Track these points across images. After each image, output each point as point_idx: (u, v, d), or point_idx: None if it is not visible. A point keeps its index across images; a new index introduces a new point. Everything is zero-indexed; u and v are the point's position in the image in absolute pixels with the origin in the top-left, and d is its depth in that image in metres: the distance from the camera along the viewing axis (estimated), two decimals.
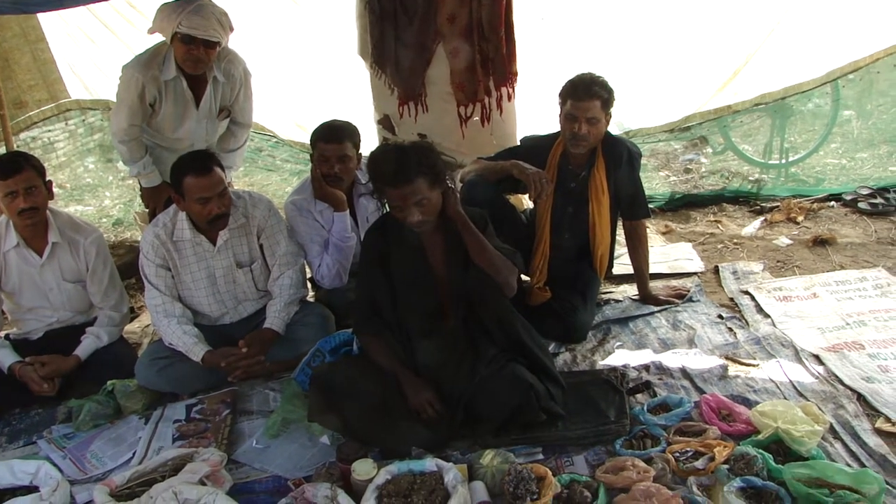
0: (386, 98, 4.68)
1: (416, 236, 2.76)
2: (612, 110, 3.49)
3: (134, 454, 2.93)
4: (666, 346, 3.37)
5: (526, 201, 4.34)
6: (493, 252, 2.72)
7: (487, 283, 2.74)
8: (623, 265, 3.98)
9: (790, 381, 2.97)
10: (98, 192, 6.11)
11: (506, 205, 3.71)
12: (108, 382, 3.27)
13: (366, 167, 2.74)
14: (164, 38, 3.64)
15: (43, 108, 4.93)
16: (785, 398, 2.85)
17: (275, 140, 5.32)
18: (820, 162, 5.44)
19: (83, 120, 5.09)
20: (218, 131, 4.00)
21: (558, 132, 3.56)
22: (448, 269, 2.78)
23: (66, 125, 5.08)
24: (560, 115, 3.49)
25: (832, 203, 4.91)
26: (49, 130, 5.00)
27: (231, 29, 3.64)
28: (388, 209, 2.80)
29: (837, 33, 4.85)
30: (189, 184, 3.10)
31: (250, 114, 4.09)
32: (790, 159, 5.26)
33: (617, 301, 3.81)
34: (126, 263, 4.33)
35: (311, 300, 3.75)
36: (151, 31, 3.64)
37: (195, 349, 3.21)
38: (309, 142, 3.61)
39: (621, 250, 3.98)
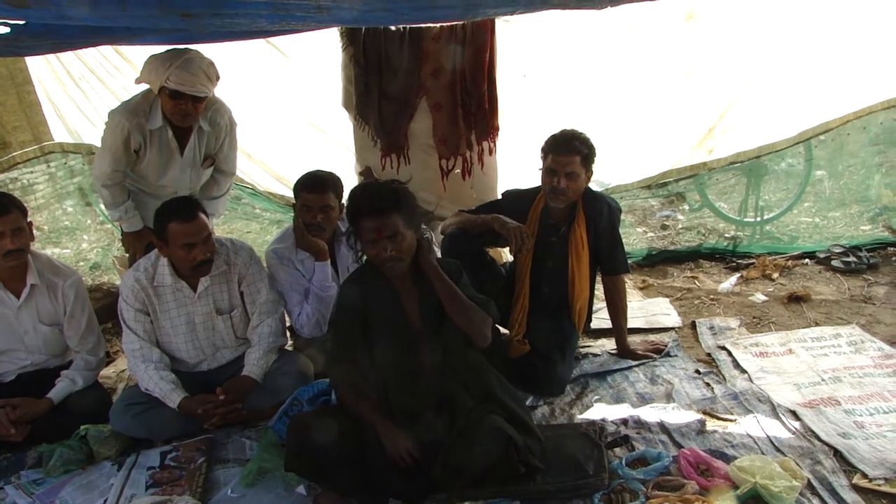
0: (368, 150, 4.72)
1: (392, 288, 2.77)
2: (594, 167, 3.55)
3: (105, 501, 2.88)
4: (644, 400, 3.38)
5: (506, 255, 4.37)
6: (465, 302, 2.74)
7: (459, 335, 2.76)
8: (601, 319, 3.99)
9: (767, 436, 2.98)
10: (76, 235, 6.06)
11: (486, 258, 3.74)
12: (81, 427, 3.22)
13: (346, 208, 2.78)
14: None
15: (26, 150, 4.93)
16: (763, 453, 2.86)
17: (252, 190, 5.34)
18: (794, 220, 5.53)
19: (64, 163, 5.08)
20: (202, 179, 4.01)
21: (540, 187, 3.60)
22: (424, 321, 2.78)
23: (47, 167, 5.06)
24: (542, 170, 3.54)
25: (806, 261, 4.98)
26: (30, 172, 4.99)
27: (217, 78, 3.66)
28: (363, 260, 2.83)
29: (809, 95, 4.97)
30: (174, 230, 3.10)
31: (234, 162, 4.11)
32: (765, 217, 5.34)
33: (595, 355, 3.81)
34: (103, 307, 4.27)
35: (290, 349, 3.74)
36: (139, 82, 3.64)
37: (172, 395, 3.18)
38: (292, 192, 3.63)
39: (600, 305, 4.00)
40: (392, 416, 2.78)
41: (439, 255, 3.59)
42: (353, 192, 2.80)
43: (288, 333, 3.73)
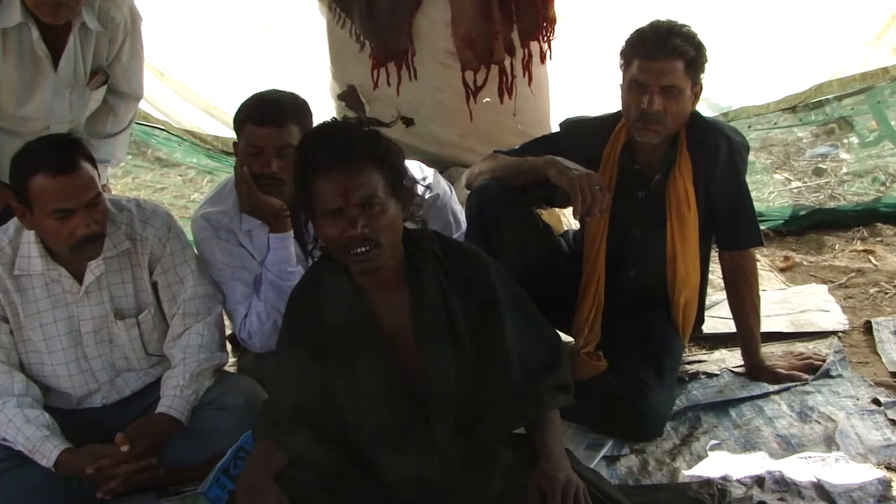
0: (351, 58, 4.75)
1: (361, 295, 2.75)
2: (703, 78, 3.51)
3: None
4: (789, 446, 3.35)
5: (568, 219, 4.38)
6: None
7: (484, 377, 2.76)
8: (719, 319, 4.01)
9: None
10: None
11: (535, 226, 3.72)
12: None
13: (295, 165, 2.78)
14: None
15: None
16: None
17: (165, 130, 5.31)
18: None
19: None
20: (89, 106, 4.01)
21: (619, 113, 3.59)
22: (423, 350, 2.75)
23: None
24: (622, 86, 3.51)
25: None
26: None
27: None
28: (314, 255, 2.83)
29: None
30: (41, 187, 3.08)
31: (140, 79, 4.12)
32: None
33: (710, 375, 3.81)
34: None
35: (233, 370, 3.77)
36: None
37: (45, 447, 3.14)
38: (231, 127, 3.65)
39: (717, 296, 4.01)
40: (386, 487, 2.78)
41: (462, 223, 3.69)
42: (303, 140, 2.79)
43: (229, 346, 3.75)
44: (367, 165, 2.59)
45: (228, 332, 3.74)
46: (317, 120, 3.53)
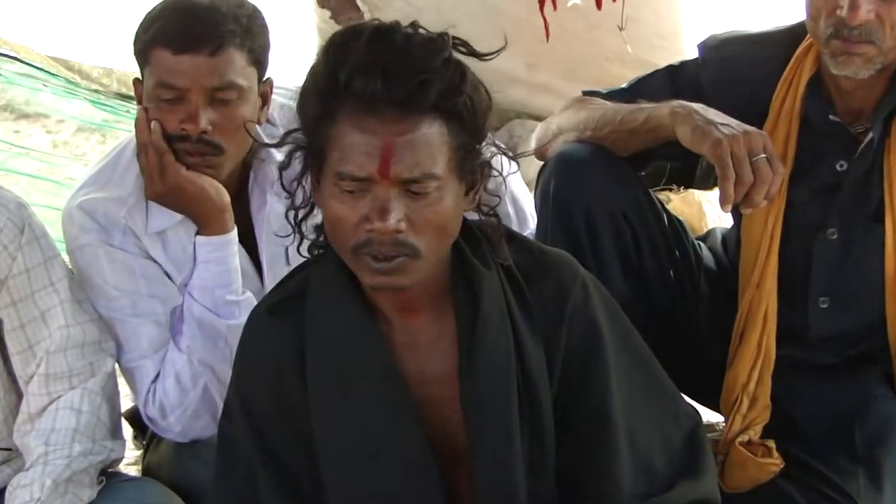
0: None
1: (376, 323, 2.70)
2: None
3: None
4: None
5: (715, 208, 4.26)
6: None
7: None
8: None
9: None
10: None
11: (657, 221, 3.70)
12: None
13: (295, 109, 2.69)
14: None
15: None
16: None
17: (18, 61, 5.22)
18: None
19: None
20: None
21: (800, 26, 3.56)
22: (473, 424, 2.74)
23: None
24: None
25: None
26: None
27: None
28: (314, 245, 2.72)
29: None
30: None
31: None
32: None
33: None
34: None
35: (135, 472, 3.90)
36: None
37: None
38: (133, 52, 3.56)
39: None
40: None
41: (530, 217, 3.79)
42: (337, 43, 2.64)
43: (127, 432, 3.82)
44: (434, 120, 2.53)
45: (127, 405, 3.67)
46: (278, 40, 3.65)
